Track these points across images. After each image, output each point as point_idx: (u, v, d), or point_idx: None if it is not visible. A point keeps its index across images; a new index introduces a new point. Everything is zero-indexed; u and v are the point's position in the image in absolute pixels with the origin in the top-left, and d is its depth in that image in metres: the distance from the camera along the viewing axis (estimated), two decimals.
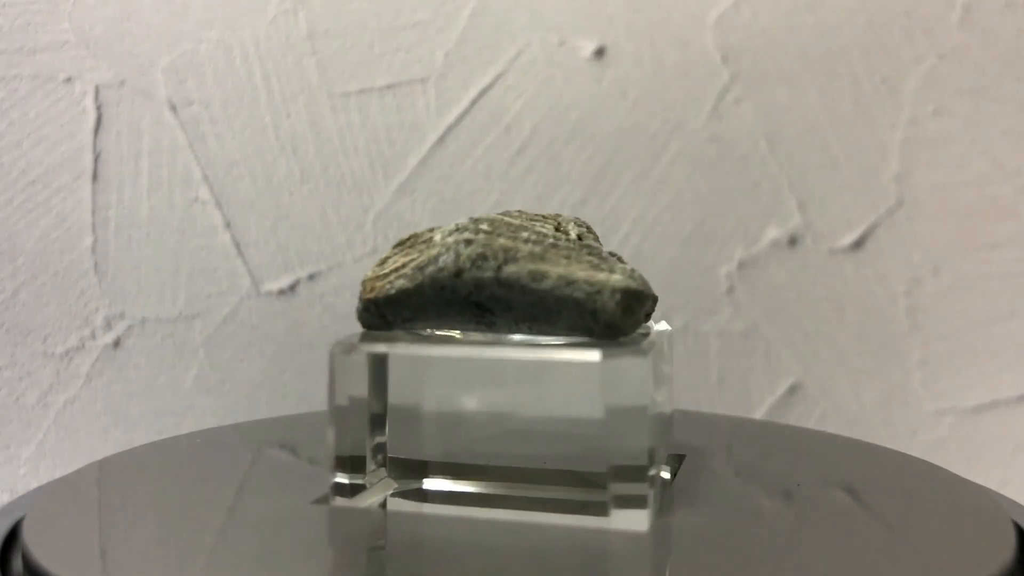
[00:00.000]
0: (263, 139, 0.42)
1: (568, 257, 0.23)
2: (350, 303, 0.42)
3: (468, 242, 0.23)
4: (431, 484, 0.24)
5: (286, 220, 0.42)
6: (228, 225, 0.42)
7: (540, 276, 0.23)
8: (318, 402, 0.42)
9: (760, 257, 0.43)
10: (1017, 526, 0.22)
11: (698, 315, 0.43)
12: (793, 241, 0.43)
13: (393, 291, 0.24)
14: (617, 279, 0.23)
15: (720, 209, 0.43)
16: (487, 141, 0.42)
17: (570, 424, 0.23)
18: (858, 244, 0.43)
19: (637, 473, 0.22)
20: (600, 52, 0.42)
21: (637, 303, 0.23)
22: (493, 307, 0.23)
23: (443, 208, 0.42)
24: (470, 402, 0.24)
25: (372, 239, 0.42)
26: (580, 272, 0.23)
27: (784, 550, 0.21)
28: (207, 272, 0.42)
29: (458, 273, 0.23)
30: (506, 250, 0.23)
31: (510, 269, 0.23)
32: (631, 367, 0.22)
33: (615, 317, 0.22)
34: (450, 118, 0.42)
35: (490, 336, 0.24)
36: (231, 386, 0.42)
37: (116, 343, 0.41)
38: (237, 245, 0.42)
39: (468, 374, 0.25)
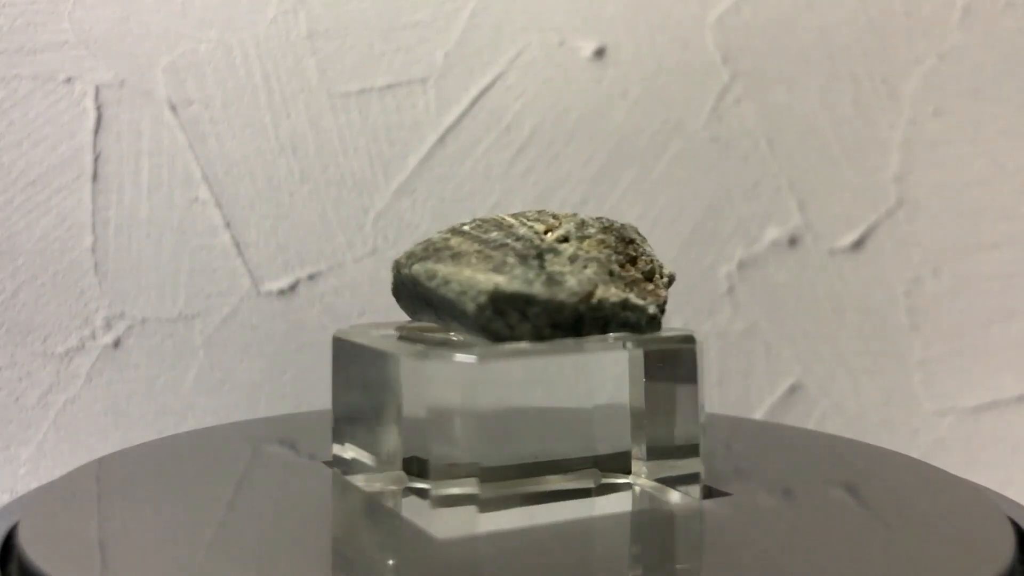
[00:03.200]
0: (263, 139, 0.42)
1: (489, 258, 0.23)
2: (350, 303, 0.42)
3: (423, 241, 0.24)
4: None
5: (286, 220, 0.42)
6: (228, 225, 0.42)
7: (432, 275, 0.23)
8: (319, 402, 0.42)
9: (760, 257, 0.43)
10: (1017, 526, 0.22)
11: (698, 315, 0.43)
12: (793, 241, 0.43)
13: (393, 286, 0.26)
14: (496, 280, 0.22)
15: (720, 209, 0.43)
16: (487, 141, 0.42)
17: (406, 421, 0.23)
18: (858, 244, 0.43)
19: (459, 471, 0.22)
20: (600, 52, 0.42)
21: (526, 307, 0.22)
22: (430, 302, 0.24)
23: (443, 208, 0.42)
24: (377, 392, 0.25)
25: (372, 239, 0.42)
26: (468, 272, 0.23)
27: (783, 550, 0.21)
28: (207, 272, 0.42)
29: (398, 270, 0.25)
30: (431, 249, 0.24)
31: (415, 268, 0.24)
32: (440, 370, 0.22)
33: (481, 319, 0.22)
34: (450, 118, 0.42)
35: (424, 329, 0.25)
36: (231, 386, 0.42)
37: (116, 343, 0.41)
38: (237, 245, 0.42)
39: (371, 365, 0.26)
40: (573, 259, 0.23)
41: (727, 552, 0.21)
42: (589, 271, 0.23)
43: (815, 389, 0.43)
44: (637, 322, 0.23)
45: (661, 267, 0.25)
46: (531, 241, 0.24)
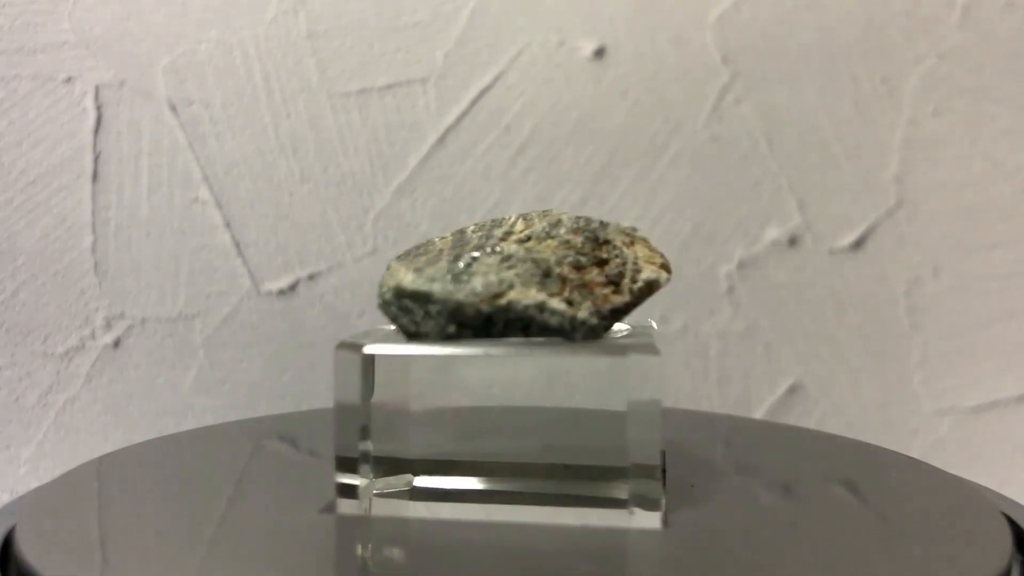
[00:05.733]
0: (263, 139, 0.42)
1: (438, 256, 0.23)
2: (350, 303, 0.42)
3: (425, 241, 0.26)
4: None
5: (286, 220, 0.42)
6: (228, 225, 0.42)
7: (387, 270, 0.24)
8: (318, 402, 0.42)
9: (760, 257, 0.43)
10: (1015, 525, 0.22)
11: (698, 315, 0.43)
12: (793, 241, 0.43)
13: None
14: (403, 278, 0.22)
15: (720, 209, 0.43)
16: (487, 141, 0.42)
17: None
18: (858, 244, 0.43)
19: (351, 465, 0.22)
20: (600, 52, 0.42)
21: (427, 304, 0.22)
22: None
23: (443, 208, 0.42)
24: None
25: (372, 239, 0.42)
26: (402, 270, 0.23)
27: (783, 550, 0.21)
28: (207, 272, 0.42)
29: None
30: (415, 247, 0.24)
31: (389, 264, 0.24)
32: (350, 363, 0.22)
33: (388, 313, 0.23)
34: (450, 118, 0.42)
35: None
36: (231, 386, 0.42)
37: (116, 343, 0.41)
38: (237, 245, 0.42)
39: None
40: (505, 259, 0.23)
41: (724, 550, 0.21)
42: (512, 272, 0.22)
43: (815, 389, 0.43)
44: (561, 326, 0.22)
45: (637, 272, 0.23)
46: (484, 240, 0.24)
